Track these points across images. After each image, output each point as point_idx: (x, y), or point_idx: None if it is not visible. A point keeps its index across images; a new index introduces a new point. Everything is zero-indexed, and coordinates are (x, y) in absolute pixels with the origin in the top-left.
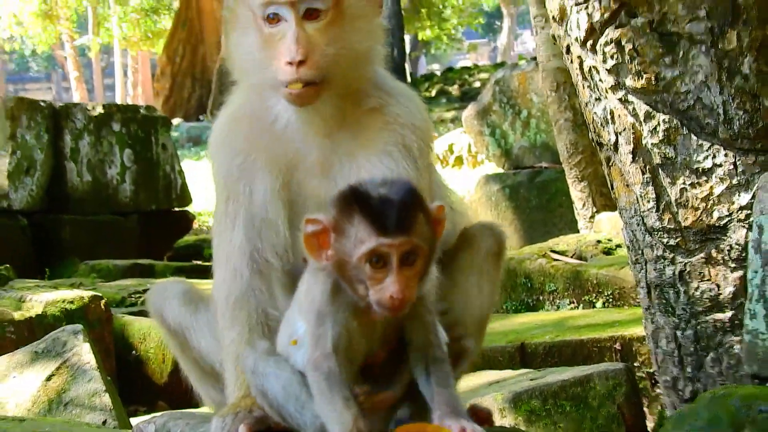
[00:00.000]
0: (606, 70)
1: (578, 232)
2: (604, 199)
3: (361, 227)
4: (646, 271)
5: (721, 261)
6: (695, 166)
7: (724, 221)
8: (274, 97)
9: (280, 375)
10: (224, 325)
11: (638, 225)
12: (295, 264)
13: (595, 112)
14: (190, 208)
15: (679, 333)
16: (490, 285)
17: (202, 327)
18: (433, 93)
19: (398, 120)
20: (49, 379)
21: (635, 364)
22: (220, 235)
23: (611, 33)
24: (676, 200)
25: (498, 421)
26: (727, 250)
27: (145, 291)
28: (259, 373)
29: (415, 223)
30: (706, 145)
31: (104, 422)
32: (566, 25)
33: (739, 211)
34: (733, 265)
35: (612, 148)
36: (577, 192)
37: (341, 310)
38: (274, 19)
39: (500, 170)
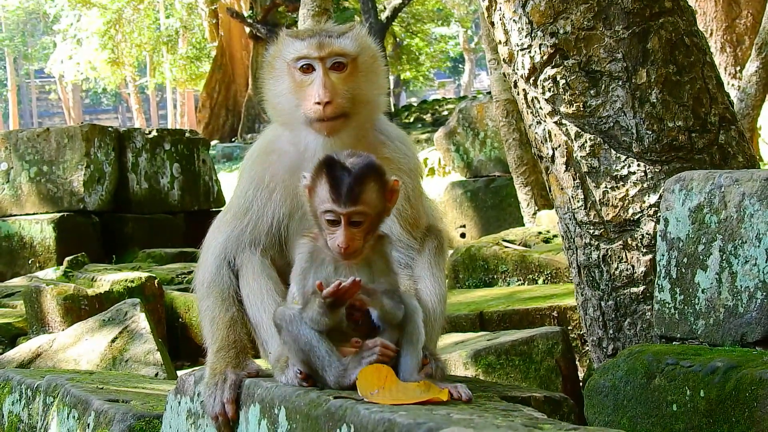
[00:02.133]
0: (545, 99)
1: (524, 225)
2: (543, 200)
3: (323, 191)
4: (577, 255)
5: (635, 247)
6: (614, 174)
7: (637, 216)
8: (305, 130)
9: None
10: (201, 297)
11: (570, 219)
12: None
13: (536, 133)
14: (224, 209)
15: (602, 303)
16: (439, 272)
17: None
18: (411, 120)
19: (396, 164)
20: (113, 341)
21: (569, 328)
22: (212, 232)
23: (549, 71)
24: (599, 200)
25: (462, 372)
26: (640, 239)
27: (189, 273)
28: (296, 322)
29: (364, 194)
30: (623, 157)
31: (156, 374)
32: (514, 65)
33: (649, 209)
34: (644, 250)
35: (550, 160)
36: (522, 195)
37: (320, 266)
38: (307, 69)
39: (463, 178)
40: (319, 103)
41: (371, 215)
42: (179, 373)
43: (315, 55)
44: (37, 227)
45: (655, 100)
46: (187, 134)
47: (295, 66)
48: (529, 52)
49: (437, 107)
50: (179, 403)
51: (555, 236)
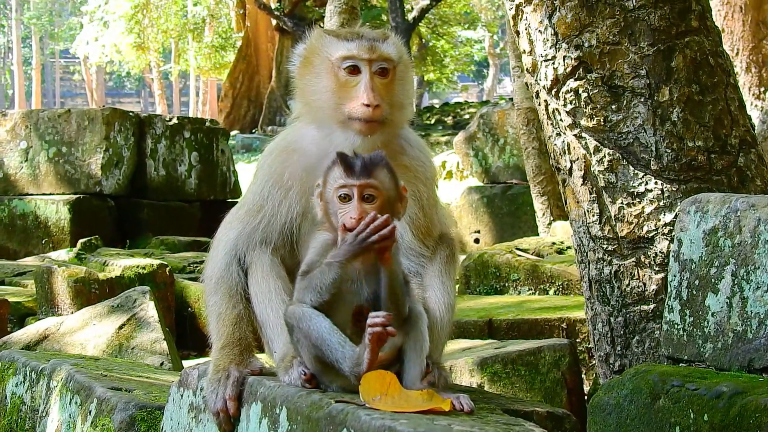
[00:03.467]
0: (566, 112)
1: (538, 235)
2: (559, 211)
3: (336, 171)
4: (589, 269)
5: (648, 265)
6: (631, 190)
7: (652, 234)
8: (337, 130)
9: (324, 319)
10: (208, 292)
11: (584, 233)
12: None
13: (555, 144)
14: (240, 200)
15: (612, 319)
16: (449, 280)
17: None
18: (432, 121)
19: (413, 172)
20: (120, 328)
21: (577, 341)
22: (224, 227)
23: (571, 84)
24: (615, 215)
25: (467, 379)
26: (653, 257)
27: (201, 262)
28: (306, 318)
29: (376, 171)
30: (641, 174)
31: (161, 364)
32: (537, 75)
33: (664, 227)
34: (657, 268)
35: (567, 172)
36: (539, 204)
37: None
38: (353, 70)
39: (480, 184)
40: (368, 105)
41: (383, 195)
42: (184, 363)
43: (365, 57)
44: (53, 207)
45: (676, 119)
46: (207, 123)
47: (340, 66)
48: (553, 63)
49: (459, 110)
50: (182, 396)
51: (569, 247)
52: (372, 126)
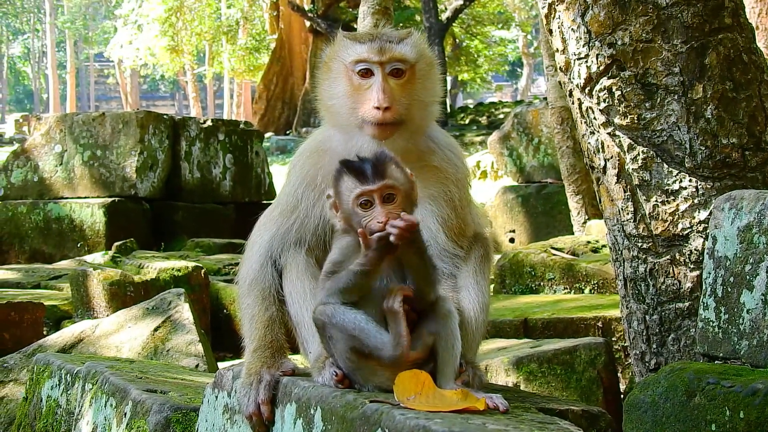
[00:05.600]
0: (599, 110)
1: (573, 234)
2: (593, 210)
3: (349, 181)
4: (624, 267)
5: (683, 262)
6: (666, 188)
7: (686, 232)
8: (358, 134)
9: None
10: (242, 294)
11: (619, 231)
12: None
13: (589, 143)
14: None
15: (647, 317)
16: (483, 280)
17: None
18: (467, 121)
19: (444, 173)
20: (156, 330)
21: (613, 339)
22: (258, 228)
23: (605, 82)
24: (649, 213)
25: (503, 379)
26: (688, 254)
27: (236, 264)
28: (340, 313)
29: (388, 170)
30: (675, 171)
31: (197, 366)
32: (570, 74)
33: (699, 225)
34: (692, 266)
35: (601, 171)
36: (573, 203)
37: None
38: (365, 73)
39: (515, 183)
40: (378, 108)
41: (401, 191)
42: (219, 365)
43: (375, 59)
44: (88, 211)
45: (710, 116)
46: (241, 125)
47: (353, 69)
48: (586, 61)
49: (493, 110)
50: (216, 397)
51: (604, 246)
52: (385, 129)
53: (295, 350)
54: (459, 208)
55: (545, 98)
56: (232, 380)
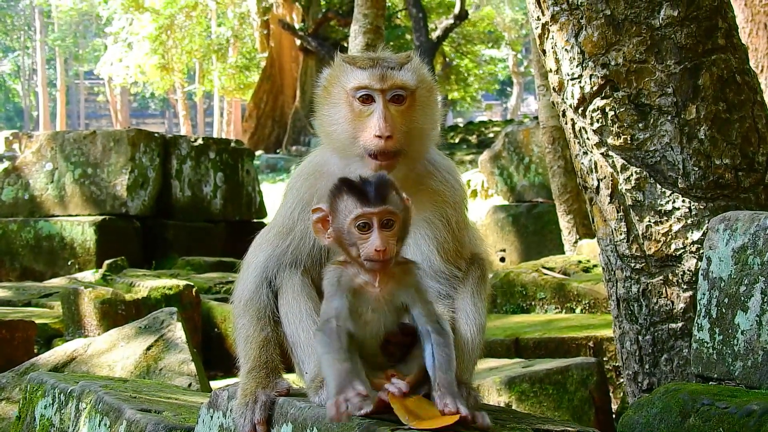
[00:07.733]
0: (593, 130)
1: (564, 253)
2: (585, 229)
3: (349, 201)
4: (617, 287)
5: (676, 283)
6: (659, 208)
7: (680, 252)
8: (357, 161)
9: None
10: (237, 314)
11: (612, 251)
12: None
13: (582, 163)
14: (265, 220)
15: (640, 337)
16: (480, 301)
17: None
18: (457, 140)
19: (442, 196)
20: (148, 349)
21: (605, 359)
22: (253, 249)
23: (598, 102)
24: (642, 234)
25: (495, 398)
26: (681, 275)
27: (228, 282)
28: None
29: (389, 195)
30: (668, 192)
31: (189, 385)
32: (563, 94)
33: (692, 245)
34: (685, 286)
35: (594, 191)
36: (564, 222)
37: (346, 290)
38: (366, 100)
39: (506, 202)
40: (379, 137)
41: (399, 218)
42: (213, 384)
43: (377, 86)
44: (79, 229)
45: (703, 137)
46: (232, 144)
47: (354, 95)
48: (580, 82)
49: (483, 129)
50: (211, 417)
51: (595, 266)
52: (388, 162)
53: (291, 369)
54: (456, 230)
55: (536, 117)
56: (227, 400)
